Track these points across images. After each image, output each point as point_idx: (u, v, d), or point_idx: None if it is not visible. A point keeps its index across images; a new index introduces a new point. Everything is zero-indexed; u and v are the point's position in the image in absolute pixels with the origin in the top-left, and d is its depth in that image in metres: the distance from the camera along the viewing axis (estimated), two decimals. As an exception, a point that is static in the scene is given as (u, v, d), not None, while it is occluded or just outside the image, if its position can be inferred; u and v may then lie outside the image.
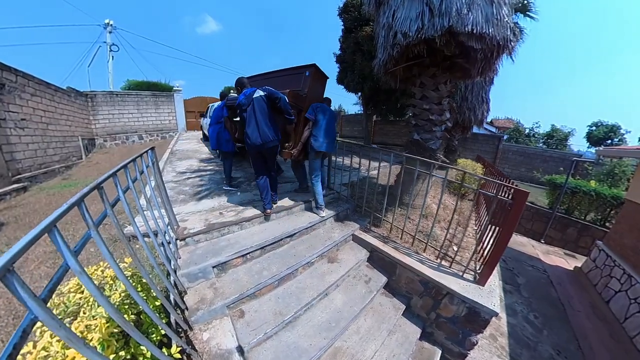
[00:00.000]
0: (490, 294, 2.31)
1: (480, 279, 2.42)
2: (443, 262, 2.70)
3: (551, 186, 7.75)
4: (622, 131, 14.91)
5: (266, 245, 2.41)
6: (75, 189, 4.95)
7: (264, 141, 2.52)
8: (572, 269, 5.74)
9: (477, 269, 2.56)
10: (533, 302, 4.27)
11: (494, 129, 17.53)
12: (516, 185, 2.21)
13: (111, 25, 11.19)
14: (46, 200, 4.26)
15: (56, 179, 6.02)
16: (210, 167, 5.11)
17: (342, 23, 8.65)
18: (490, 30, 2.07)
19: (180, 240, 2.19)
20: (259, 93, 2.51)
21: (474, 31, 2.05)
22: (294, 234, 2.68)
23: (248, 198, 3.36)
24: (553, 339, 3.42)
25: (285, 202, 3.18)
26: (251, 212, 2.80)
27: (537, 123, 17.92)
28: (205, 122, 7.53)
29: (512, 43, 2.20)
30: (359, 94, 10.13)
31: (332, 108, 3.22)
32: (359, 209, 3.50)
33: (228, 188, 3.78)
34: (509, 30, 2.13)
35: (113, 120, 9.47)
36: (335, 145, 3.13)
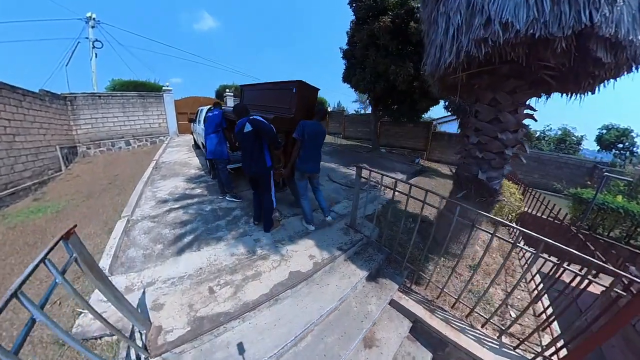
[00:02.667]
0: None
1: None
2: (504, 339, 2.13)
3: (577, 201, 7.24)
4: (633, 134, 14.38)
5: (284, 350, 1.66)
6: (43, 216, 4.15)
7: (254, 172, 2.80)
8: (598, 292, 5.19)
9: (545, 345, 1.99)
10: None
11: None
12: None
13: (94, 19, 10.15)
14: (1, 239, 3.46)
15: (26, 200, 5.20)
16: (199, 192, 4.29)
17: (352, 13, 7.63)
18: (637, 38, 1.34)
19: (154, 358, 1.44)
20: (248, 127, 2.64)
21: (618, 36, 1.31)
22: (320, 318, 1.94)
23: (249, 245, 2.63)
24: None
25: (301, 262, 2.41)
26: (255, 287, 2.03)
27: (548, 126, 17.16)
28: (196, 127, 6.73)
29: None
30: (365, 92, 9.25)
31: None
32: (393, 255, 2.79)
33: (231, 199, 3.83)
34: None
35: (96, 125, 8.57)
36: (319, 165, 3.12)
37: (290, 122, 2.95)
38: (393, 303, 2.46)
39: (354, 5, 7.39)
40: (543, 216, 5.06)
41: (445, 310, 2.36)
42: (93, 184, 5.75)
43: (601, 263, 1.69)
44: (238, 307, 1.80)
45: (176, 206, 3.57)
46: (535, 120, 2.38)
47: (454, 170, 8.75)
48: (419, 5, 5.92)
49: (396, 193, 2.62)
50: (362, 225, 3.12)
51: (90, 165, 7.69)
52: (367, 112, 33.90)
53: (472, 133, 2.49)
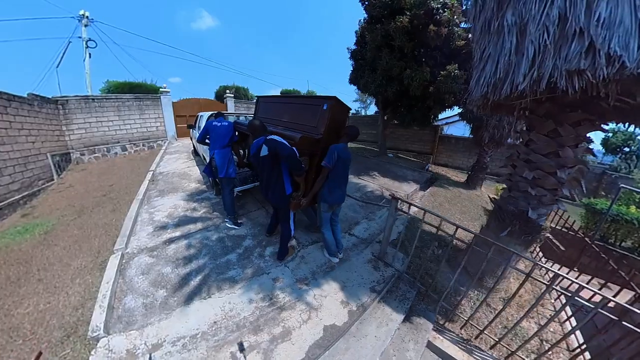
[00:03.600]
0: None
1: None
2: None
3: (590, 211, 7.10)
4: (639, 138, 14.31)
5: None
6: (30, 239, 3.74)
7: (271, 200, 2.53)
8: (612, 306, 4.98)
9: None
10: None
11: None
12: None
13: (87, 17, 9.62)
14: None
15: (14, 217, 4.77)
16: (202, 213, 3.85)
17: (364, 11, 7.21)
18: None
19: None
20: (265, 151, 2.27)
21: None
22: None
23: (267, 288, 2.28)
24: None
25: (334, 311, 2.08)
26: (288, 351, 1.69)
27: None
28: (195, 134, 6.32)
29: None
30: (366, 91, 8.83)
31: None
32: (427, 292, 2.48)
33: (231, 225, 3.41)
34: None
35: (90, 130, 8.11)
36: (345, 194, 2.73)
37: (316, 144, 2.53)
38: (429, 345, 2.17)
39: (366, 2, 6.94)
40: (558, 227, 4.93)
41: (482, 350, 2.12)
42: (86, 196, 5.33)
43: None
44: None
45: (177, 234, 3.15)
46: (595, 157, 2.08)
47: (464, 179, 8.50)
48: (439, 6, 5.57)
49: (425, 216, 2.33)
50: (392, 256, 2.78)
51: (84, 173, 7.25)
52: (367, 112, 33.54)
53: (524, 165, 2.16)
